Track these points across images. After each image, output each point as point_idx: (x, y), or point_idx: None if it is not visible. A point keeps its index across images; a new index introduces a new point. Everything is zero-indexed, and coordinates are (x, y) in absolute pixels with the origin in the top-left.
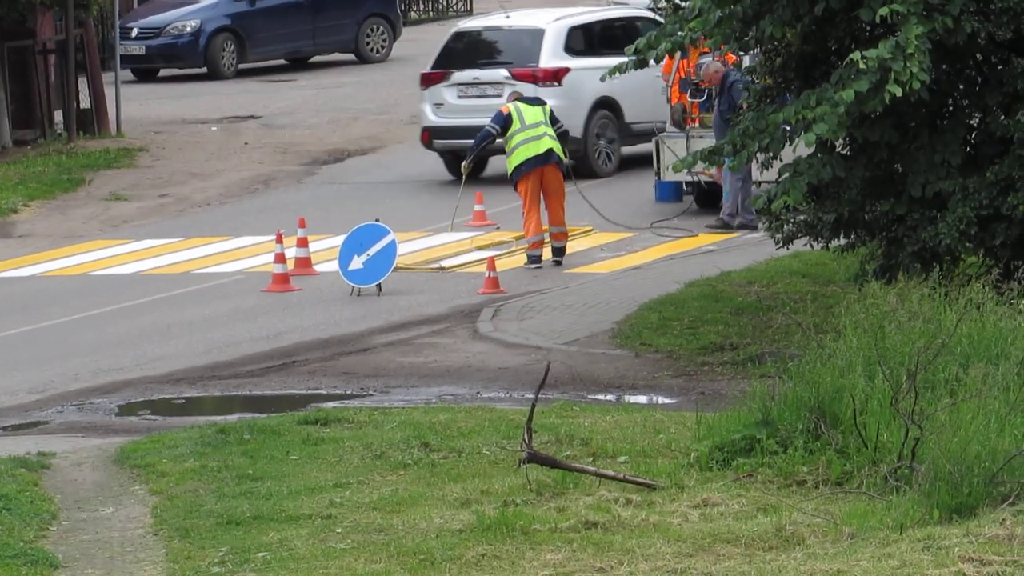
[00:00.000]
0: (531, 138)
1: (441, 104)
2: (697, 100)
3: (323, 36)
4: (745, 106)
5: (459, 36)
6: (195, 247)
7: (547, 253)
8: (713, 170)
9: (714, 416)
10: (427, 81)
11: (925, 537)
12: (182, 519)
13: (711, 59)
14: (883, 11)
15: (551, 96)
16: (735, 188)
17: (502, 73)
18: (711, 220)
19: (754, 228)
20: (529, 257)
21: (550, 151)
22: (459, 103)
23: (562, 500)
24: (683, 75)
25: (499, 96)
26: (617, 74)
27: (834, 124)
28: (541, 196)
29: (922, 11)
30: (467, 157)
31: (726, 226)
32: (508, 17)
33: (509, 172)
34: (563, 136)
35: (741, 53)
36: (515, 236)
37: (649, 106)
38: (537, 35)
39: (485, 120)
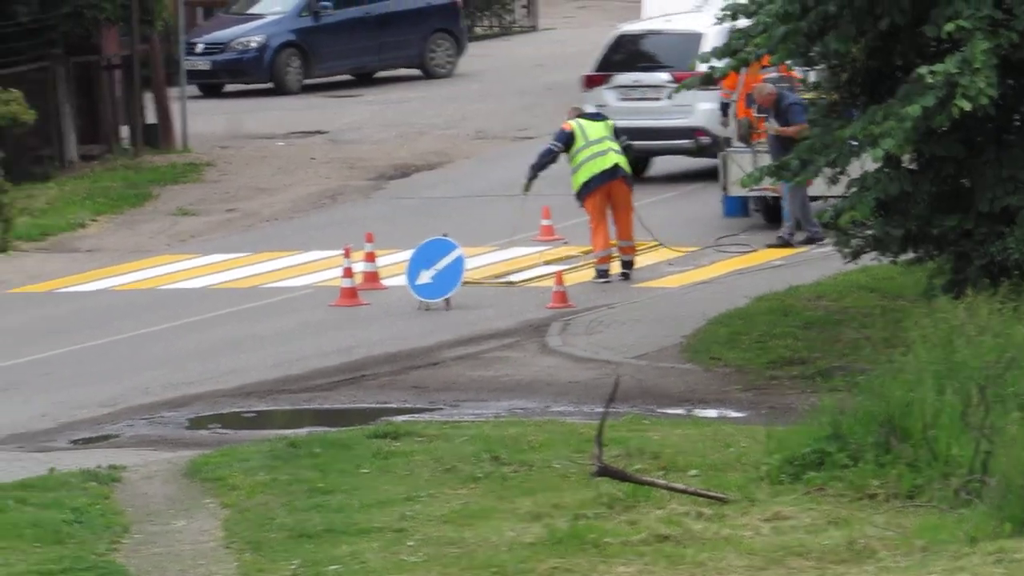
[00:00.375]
0: (596, 154)
1: (603, 106)
2: (764, 115)
3: (388, 51)
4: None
5: (621, 39)
6: (263, 261)
7: (615, 267)
8: (779, 185)
9: (784, 430)
10: (589, 83)
11: (996, 550)
12: (253, 532)
13: (764, 81)
14: (949, 27)
15: (711, 99)
16: (795, 205)
17: (663, 76)
18: (772, 239)
19: (820, 240)
20: (597, 271)
21: (616, 166)
22: (620, 105)
23: (633, 513)
24: (749, 91)
25: (658, 99)
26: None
27: (901, 139)
28: (608, 211)
29: (987, 26)
30: (528, 176)
31: (786, 244)
32: (700, 9)
33: (575, 189)
34: (626, 150)
35: (806, 69)
36: (583, 250)
37: None
38: (696, 39)
39: (647, 122)
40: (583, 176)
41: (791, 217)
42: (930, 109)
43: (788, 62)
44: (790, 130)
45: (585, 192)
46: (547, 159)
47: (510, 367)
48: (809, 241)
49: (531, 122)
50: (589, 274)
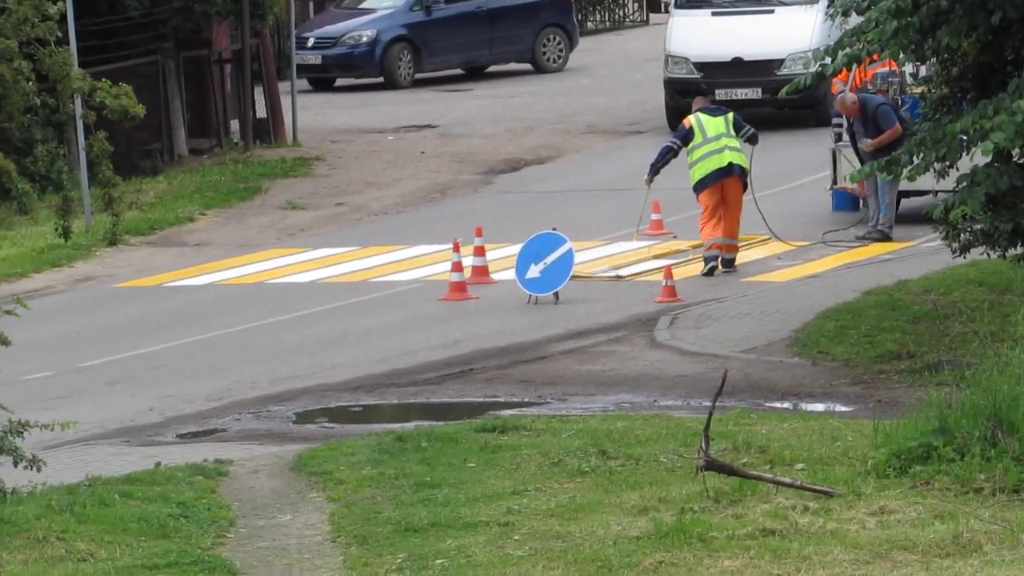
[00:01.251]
0: (712, 152)
1: None
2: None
3: (499, 46)
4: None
5: None
6: (372, 256)
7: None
8: (855, 185)
9: (891, 424)
10: None
11: None
12: (360, 526)
13: (846, 90)
14: None
15: None
16: (892, 197)
17: None
18: (868, 232)
19: (888, 239)
20: (705, 259)
21: (731, 164)
22: None
23: (739, 507)
24: (859, 84)
25: None
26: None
27: (1011, 133)
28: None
29: None
30: (649, 172)
31: (885, 237)
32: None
33: (692, 184)
34: (752, 139)
35: (917, 63)
36: (692, 245)
37: None
38: None
39: None
40: (699, 173)
41: (888, 209)
42: None
43: (900, 57)
44: (884, 137)
45: (700, 188)
46: (667, 156)
47: (618, 361)
48: (883, 236)
49: (642, 116)
50: (698, 268)
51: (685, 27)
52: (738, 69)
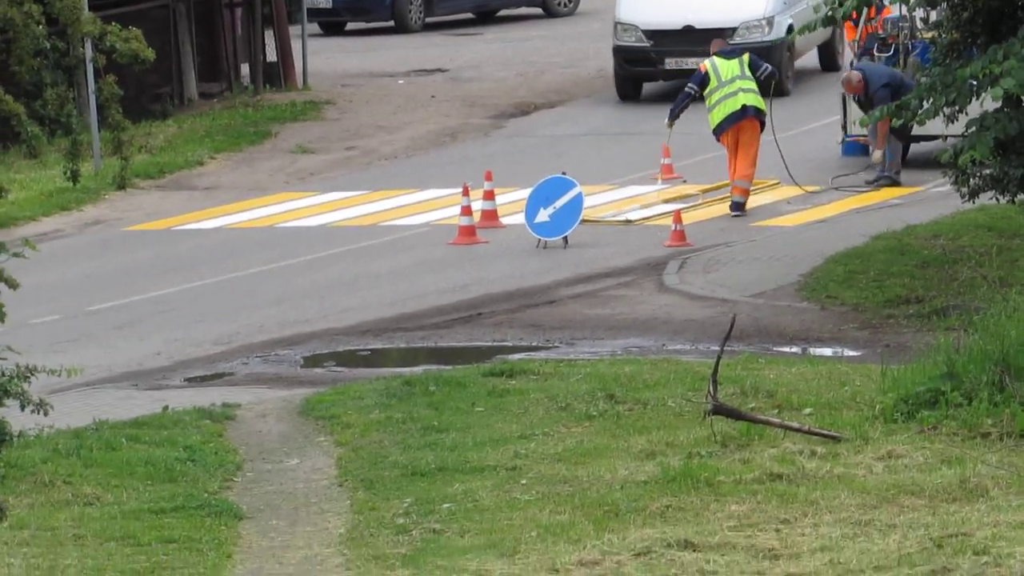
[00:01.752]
0: (727, 95)
1: None
2: (884, 55)
3: None
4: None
5: None
6: (382, 200)
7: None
8: (865, 131)
9: (899, 369)
10: None
11: None
12: (367, 470)
13: (850, 70)
14: None
15: None
16: (893, 145)
17: None
18: (877, 178)
19: (894, 184)
20: (732, 203)
21: (744, 107)
22: None
23: (747, 452)
24: (870, 32)
25: None
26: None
27: (1021, 78)
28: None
29: None
30: (669, 118)
31: (893, 183)
32: None
33: (712, 127)
34: (771, 77)
35: (928, 8)
36: (701, 189)
37: None
38: None
39: None
40: (716, 117)
41: (893, 155)
42: None
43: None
44: (882, 132)
45: (719, 132)
46: (685, 101)
47: (626, 305)
48: (891, 181)
49: None
50: (707, 212)
51: None
52: (689, 37)
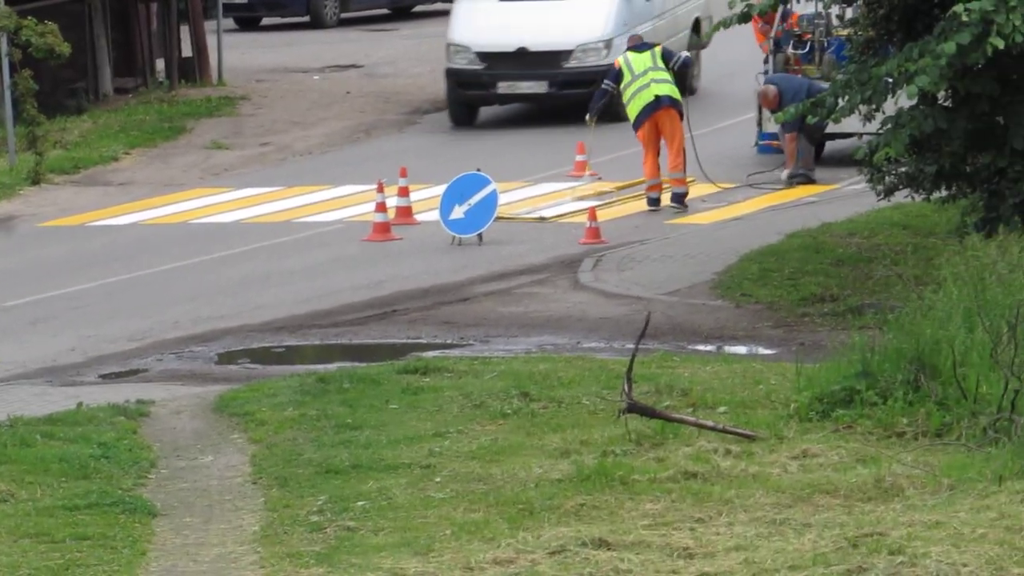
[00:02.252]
0: (641, 87)
1: None
2: (799, 52)
3: None
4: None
5: None
6: (296, 196)
7: (666, 198)
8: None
9: (814, 367)
10: None
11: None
12: (281, 468)
13: (767, 85)
14: None
15: None
16: (801, 144)
17: None
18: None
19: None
20: (648, 200)
21: (658, 97)
22: None
23: (661, 450)
24: (787, 28)
25: None
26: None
27: (936, 76)
28: (660, 141)
29: None
30: (589, 113)
31: (808, 180)
32: None
33: (632, 121)
34: (684, 66)
35: (843, 5)
36: (616, 186)
37: None
38: None
39: None
40: (633, 111)
41: (804, 153)
42: (965, 47)
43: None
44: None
45: (636, 125)
46: (603, 99)
47: (541, 303)
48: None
49: None
50: (622, 210)
51: (469, 13)
52: (523, 60)
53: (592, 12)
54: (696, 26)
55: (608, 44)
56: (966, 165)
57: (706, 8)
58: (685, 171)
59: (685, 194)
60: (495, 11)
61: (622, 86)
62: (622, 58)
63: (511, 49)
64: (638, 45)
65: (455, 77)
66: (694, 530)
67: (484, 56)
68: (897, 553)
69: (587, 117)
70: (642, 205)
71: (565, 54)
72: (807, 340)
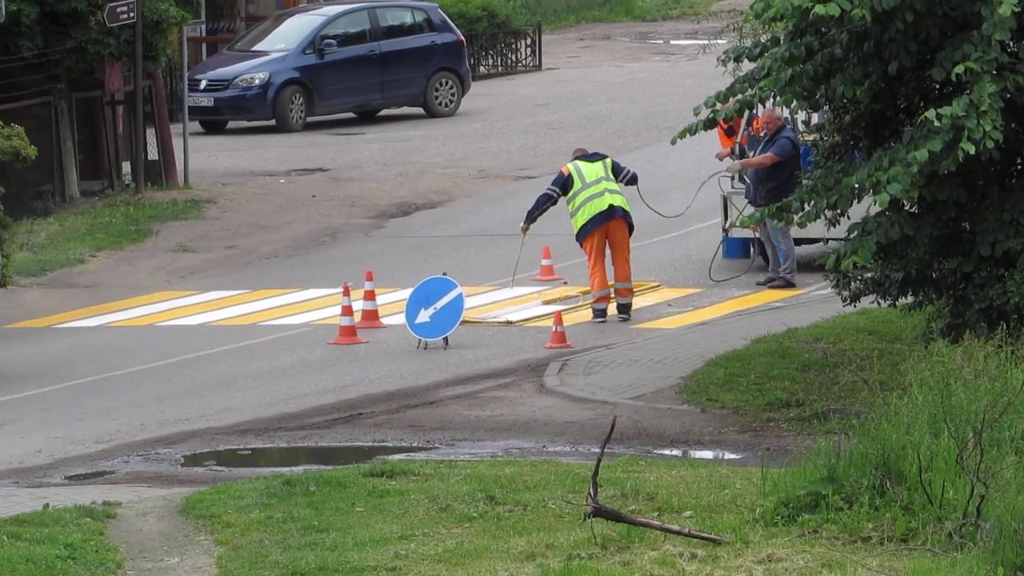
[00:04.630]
0: (593, 196)
1: None
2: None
3: (392, 90)
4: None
5: None
6: (262, 299)
7: (613, 309)
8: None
9: (780, 472)
10: None
11: None
12: (247, 570)
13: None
14: (958, 69)
15: None
16: (788, 244)
17: None
18: (769, 279)
19: (791, 285)
20: (594, 311)
21: (612, 207)
22: None
23: (627, 554)
24: (752, 133)
25: None
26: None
27: (907, 184)
28: (607, 251)
29: (993, 70)
30: (526, 220)
31: (788, 284)
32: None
33: (576, 231)
34: (632, 180)
35: (809, 111)
36: (582, 291)
37: None
38: None
39: None
40: (582, 219)
41: (787, 255)
42: (937, 153)
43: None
44: (755, 160)
45: (583, 234)
46: (545, 205)
47: (507, 407)
48: (783, 283)
49: (533, 161)
50: (588, 315)
51: None
52: None
53: None
54: None
55: None
56: (932, 271)
57: None
58: (631, 282)
59: (630, 304)
60: None
61: (571, 194)
62: (572, 165)
63: None
64: (588, 155)
65: None
66: None
67: None
68: None
69: (523, 224)
70: (608, 310)
71: None
72: (773, 445)
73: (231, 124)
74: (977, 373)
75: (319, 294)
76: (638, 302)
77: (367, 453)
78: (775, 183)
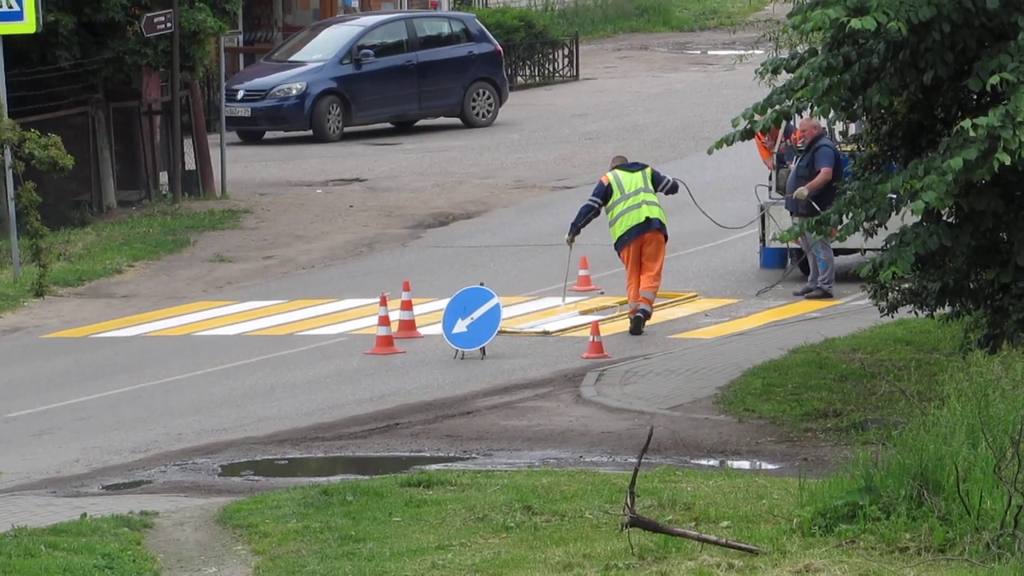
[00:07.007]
0: (631, 207)
1: None
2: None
3: (429, 100)
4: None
5: None
6: (299, 309)
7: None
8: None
9: (817, 482)
10: None
11: None
12: None
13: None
14: (993, 79)
15: None
16: (827, 254)
17: None
18: (807, 289)
19: (829, 296)
20: (631, 320)
21: (648, 219)
22: None
23: (664, 564)
24: (790, 144)
25: None
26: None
27: (942, 192)
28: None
29: None
30: (570, 232)
31: (825, 295)
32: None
33: (613, 241)
34: (672, 190)
35: (847, 122)
36: (619, 301)
37: None
38: None
39: None
40: (619, 229)
41: (826, 266)
42: (972, 163)
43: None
44: (817, 181)
45: (620, 245)
46: (588, 215)
47: (544, 417)
48: (823, 293)
49: (570, 172)
50: (625, 324)
51: None
52: None
53: None
54: None
55: None
56: (970, 281)
57: None
58: (656, 294)
59: (649, 316)
60: None
61: (609, 204)
62: (611, 175)
63: None
64: (628, 164)
65: None
66: None
67: None
68: None
69: (567, 236)
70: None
71: None
72: (810, 455)
73: (268, 134)
74: (1015, 383)
75: (356, 304)
76: (675, 312)
77: (404, 463)
78: (815, 193)
